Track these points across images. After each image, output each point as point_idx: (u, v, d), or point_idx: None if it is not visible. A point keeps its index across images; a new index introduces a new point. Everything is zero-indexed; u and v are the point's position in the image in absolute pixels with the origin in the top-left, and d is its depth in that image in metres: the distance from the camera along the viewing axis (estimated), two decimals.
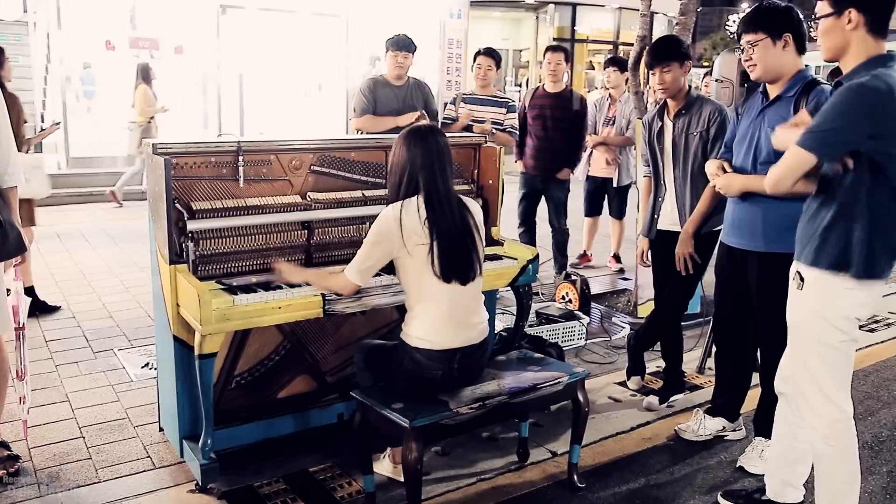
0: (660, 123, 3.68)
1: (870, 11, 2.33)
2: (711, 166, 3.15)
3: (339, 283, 2.79)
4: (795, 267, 2.55)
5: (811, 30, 2.61)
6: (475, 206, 2.86)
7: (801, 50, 2.90)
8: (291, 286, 2.90)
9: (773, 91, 2.95)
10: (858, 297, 2.42)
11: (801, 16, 2.89)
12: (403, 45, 4.84)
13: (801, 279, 2.50)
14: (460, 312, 2.75)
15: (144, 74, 9.34)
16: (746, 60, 2.93)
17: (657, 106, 3.80)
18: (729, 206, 3.15)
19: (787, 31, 2.85)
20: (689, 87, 3.65)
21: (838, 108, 2.29)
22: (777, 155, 2.84)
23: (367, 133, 4.76)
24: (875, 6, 2.34)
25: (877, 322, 5.34)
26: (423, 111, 4.87)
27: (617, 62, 6.48)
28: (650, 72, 3.61)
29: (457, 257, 2.70)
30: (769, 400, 2.98)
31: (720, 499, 2.98)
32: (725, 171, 3.07)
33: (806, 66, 2.95)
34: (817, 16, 2.44)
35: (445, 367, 2.73)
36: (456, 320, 2.74)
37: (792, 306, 2.58)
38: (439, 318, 2.71)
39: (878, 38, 2.36)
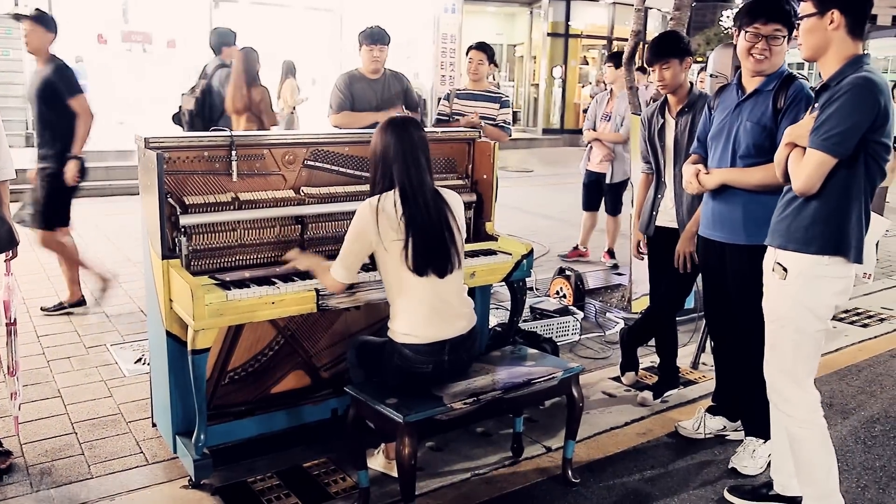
0: (661, 121, 3.66)
1: (851, 13, 2.42)
2: (687, 173, 3.14)
3: (328, 282, 2.82)
4: (775, 258, 2.60)
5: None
6: (453, 197, 2.85)
7: None
8: (285, 280, 2.90)
9: (751, 85, 2.98)
10: (841, 283, 2.52)
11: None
12: (378, 37, 4.78)
13: (784, 269, 2.55)
14: (442, 305, 2.74)
15: (291, 70, 10.22)
16: (764, 50, 2.86)
17: (656, 102, 3.77)
18: (706, 199, 3.17)
19: (792, 30, 2.90)
20: (691, 83, 3.63)
21: (852, 106, 2.35)
22: (756, 148, 2.89)
23: (346, 129, 4.71)
24: (856, 9, 2.43)
25: (870, 317, 5.36)
26: (403, 106, 4.82)
27: (613, 58, 6.48)
28: (649, 68, 3.59)
29: (432, 251, 2.69)
30: (757, 397, 2.98)
31: (726, 494, 2.98)
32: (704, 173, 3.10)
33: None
34: (800, 15, 2.51)
35: (435, 360, 2.73)
36: (439, 313, 2.73)
37: (772, 297, 2.64)
38: (422, 312, 2.71)
39: (856, 40, 2.45)
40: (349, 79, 4.86)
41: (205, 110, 6.02)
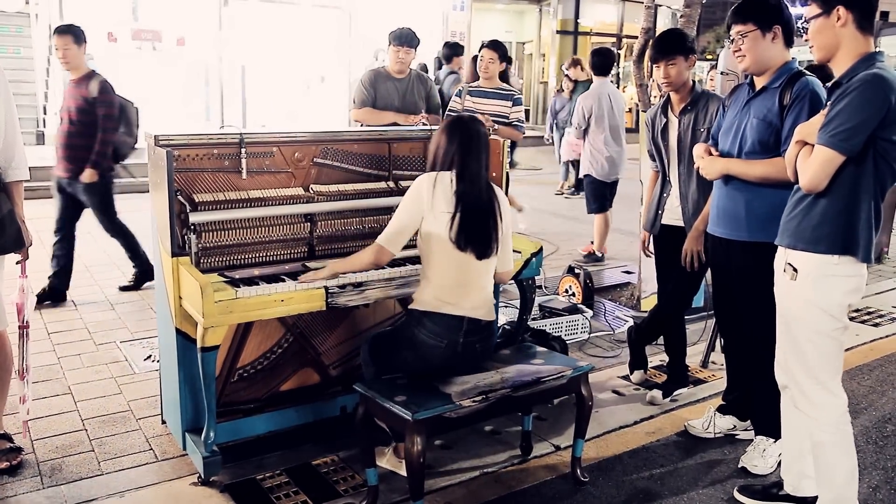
0: (664, 119, 3.65)
1: (857, 7, 2.40)
2: (697, 150, 3.16)
3: (370, 254, 2.86)
4: (785, 258, 2.59)
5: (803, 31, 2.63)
6: (502, 195, 2.97)
7: (788, 43, 2.94)
8: (294, 278, 2.91)
9: (760, 82, 2.99)
10: (853, 282, 2.50)
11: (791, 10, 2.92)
12: (406, 40, 4.81)
13: (794, 269, 2.53)
14: (469, 282, 2.82)
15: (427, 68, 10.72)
16: (735, 51, 2.94)
17: (661, 99, 3.76)
18: (713, 196, 3.17)
19: (777, 24, 2.89)
20: (694, 82, 3.62)
21: (861, 102, 2.33)
22: (761, 144, 2.89)
23: (367, 125, 4.74)
24: (862, 2, 2.41)
25: (881, 317, 5.32)
26: (425, 109, 4.85)
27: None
28: (654, 66, 3.57)
29: (476, 230, 2.80)
30: (766, 395, 2.97)
31: (736, 494, 2.97)
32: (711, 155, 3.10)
33: (792, 58, 2.98)
34: (807, 18, 2.50)
35: (451, 337, 2.77)
36: (464, 288, 2.81)
37: (784, 298, 2.63)
38: (449, 282, 2.80)
39: (866, 35, 2.44)
40: (374, 76, 4.89)
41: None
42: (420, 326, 2.80)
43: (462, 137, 2.86)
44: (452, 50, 8.54)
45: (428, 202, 2.78)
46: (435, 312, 2.79)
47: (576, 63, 10.09)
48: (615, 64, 8.56)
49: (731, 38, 2.95)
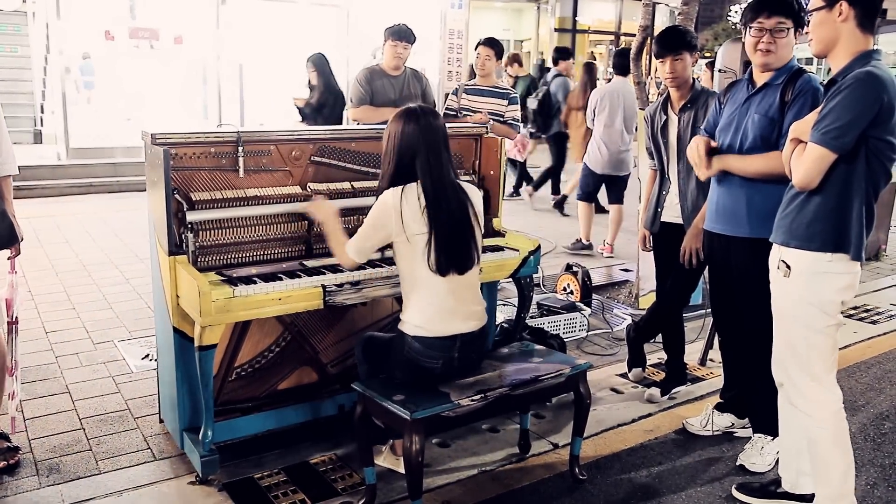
0: (664, 117, 3.64)
1: (860, 5, 2.40)
2: (696, 140, 3.14)
3: (342, 256, 2.83)
4: (779, 255, 2.60)
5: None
6: (474, 192, 2.85)
7: None
8: (292, 277, 2.90)
9: (761, 79, 2.98)
10: (846, 280, 2.51)
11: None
12: (404, 35, 4.81)
13: (788, 266, 2.54)
14: (456, 301, 2.74)
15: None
16: (769, 43, 2.86)
17: (660, 96, 3.76)
18: (712, 192, 3.16)
19: (801, 26, 2.89)
20: (694, 79, 3.61)
21: (853, 101, 2.34)
22: (762, 140, 2.89)
23: (365, 123, 4.74)
24: (865, 0, 2.40)
25: (879, 314, 5.33)
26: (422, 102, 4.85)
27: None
28: (659, 61, 3.55)
29: (455, 249, 2.69)
30: (764, 393, 2.97)
31: (734, 492, 2.97)
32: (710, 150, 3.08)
33: (792, 55, 2.98)
34: (809, 9, 2.51)
35: (445, 356, 2.73)
36: (453, 308, 2.73)
37: (778, 294, 2.64)
38: (436, 305, 2.71)
39: (866, 33, 2.44)
40: (370, 74, 4.87)
41: (544, 109, 8.74)
42: (412, 350, 2.72)
43: (418, 136, 2.67)
44: (560, 53, 9.34)
45: (397, 226, 2.65)
46: (426, 337, 2.71)
47: (515, 59, 10.20)
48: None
49: (767, 28, 2.85)
